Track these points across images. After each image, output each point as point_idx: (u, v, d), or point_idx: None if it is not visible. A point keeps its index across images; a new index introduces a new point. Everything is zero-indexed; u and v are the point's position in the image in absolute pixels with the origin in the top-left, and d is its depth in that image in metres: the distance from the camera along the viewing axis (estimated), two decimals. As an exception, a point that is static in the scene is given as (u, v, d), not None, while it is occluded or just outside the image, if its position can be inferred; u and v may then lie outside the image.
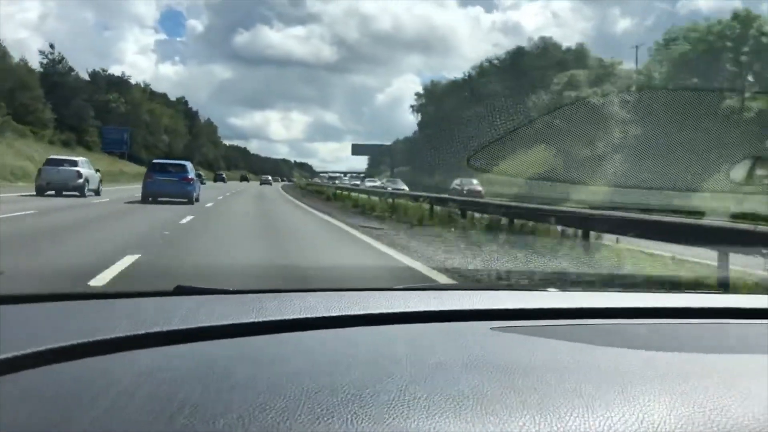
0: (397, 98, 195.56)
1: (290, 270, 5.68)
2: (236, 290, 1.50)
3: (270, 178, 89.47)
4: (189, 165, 24.48)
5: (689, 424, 0.83)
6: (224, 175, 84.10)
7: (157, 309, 1.33)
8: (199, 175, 53.05)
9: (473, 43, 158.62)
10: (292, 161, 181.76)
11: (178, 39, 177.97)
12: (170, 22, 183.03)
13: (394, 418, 0.81)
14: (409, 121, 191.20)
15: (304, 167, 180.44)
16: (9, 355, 0.95)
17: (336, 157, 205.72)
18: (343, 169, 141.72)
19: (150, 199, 21.90)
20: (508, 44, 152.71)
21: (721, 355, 1.14)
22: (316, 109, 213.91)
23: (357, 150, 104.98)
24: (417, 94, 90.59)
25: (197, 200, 23.39)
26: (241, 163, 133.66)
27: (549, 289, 1.76)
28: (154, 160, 27.27)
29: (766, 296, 1.64)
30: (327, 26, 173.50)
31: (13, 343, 1.00)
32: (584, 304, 1.43)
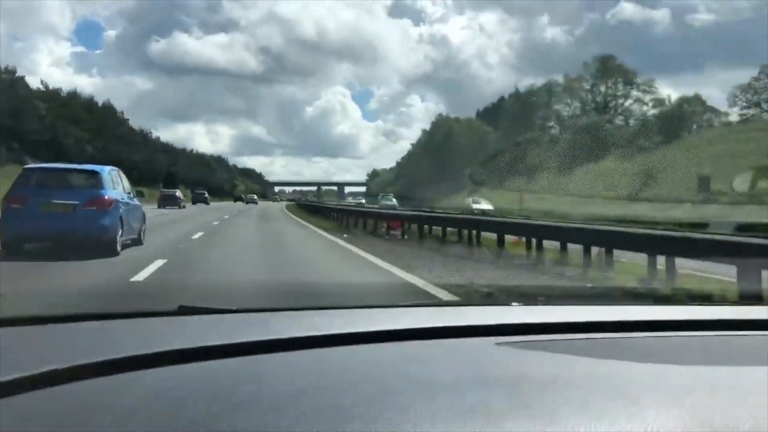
0: (328, 111, 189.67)
1: (291, 287, 5.40)
2: (239, 309, 1.50)
3: (255, 197, 75.96)
4: (106, 173, 11.87)
5: None
6: (206, 195, 62.38)
7: (161, 329, 1.34)
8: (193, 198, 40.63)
9: (403, 53, 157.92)
10: (232, 165, 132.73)
11: (96, 51, 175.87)
12: (87, 33, 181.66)
13: None
14: (342, 135, 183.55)
15: (251, 176, 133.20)
16: (13, 376, 0.95)
17: (268, 171, 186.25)
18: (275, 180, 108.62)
19: (18, 247, 10.77)
20: (436, 56, 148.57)
21: (731, 367, 1.13)
22: (243, 122, 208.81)
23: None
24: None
25: (140, 242, 12.90)
26: (138, 156, 68.00)
27: (552, 304, 1.73)
28: (30, 165, 15.34)
29: None
30: (249, 33, 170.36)
31: (18, 364, 1.00)
32: (590, 318, 1.43)
